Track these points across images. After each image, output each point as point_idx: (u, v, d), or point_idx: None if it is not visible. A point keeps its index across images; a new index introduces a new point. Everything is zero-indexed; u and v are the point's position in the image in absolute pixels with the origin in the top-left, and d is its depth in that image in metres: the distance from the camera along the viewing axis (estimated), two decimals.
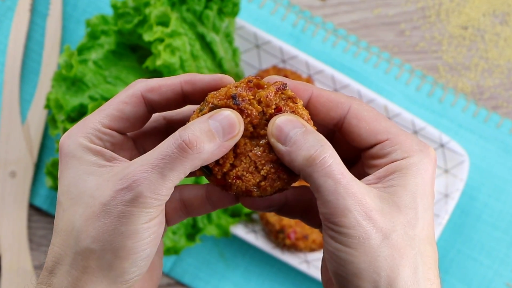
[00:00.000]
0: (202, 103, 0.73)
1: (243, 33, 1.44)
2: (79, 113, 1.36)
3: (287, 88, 0.71)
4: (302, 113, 0.72)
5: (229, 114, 0.70)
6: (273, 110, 0.71)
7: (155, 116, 0.78)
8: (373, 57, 1.49)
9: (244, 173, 0.71)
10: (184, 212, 0.80)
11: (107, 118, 0.73)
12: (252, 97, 0.70)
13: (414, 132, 1.41)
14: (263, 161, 0.71)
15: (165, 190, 0.68)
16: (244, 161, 0.71)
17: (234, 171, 0.71)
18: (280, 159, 0.70)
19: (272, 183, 0.71)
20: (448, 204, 1.40)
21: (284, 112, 0.71)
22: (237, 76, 1.46)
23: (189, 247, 1.37)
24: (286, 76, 1.36)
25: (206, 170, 0.71)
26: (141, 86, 0.74)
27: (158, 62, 1.29)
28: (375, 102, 1.41)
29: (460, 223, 1.39)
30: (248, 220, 1.38)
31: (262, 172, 0.71)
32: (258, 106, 0.70)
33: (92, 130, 0.72)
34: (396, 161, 0.71)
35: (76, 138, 0.72)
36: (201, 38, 1.37)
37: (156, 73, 1.38)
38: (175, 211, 0.79)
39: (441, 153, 1.40)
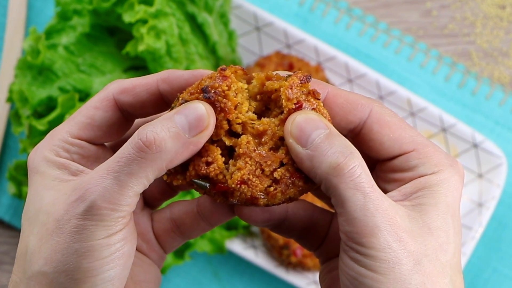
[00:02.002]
0: (174, 100, 0.72)
1: (241, 13, 1.39)
2: (48, 107, 1.29)
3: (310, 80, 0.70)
4: (323, 112, 0.70)
5: (197, 107, 0.68)
6: (293, 106, 0.69)
7: (138, 122, 0.78)
8: (394, 41, 1.45)
9: (250, 176, 0.69)
10: (177, 233, 0.80)
11: (75, 126, 0.73)
12: (226, 88, 0.69)
13: (443, 129, 1.37)
14: (269, 162, 0.69)
15: (124, 199, 0.66)
16: (249, 162, 0.69)
17: (238, 174, 0.69)
18: (296, 163, 0.69)
19: (285, 190, 0.69)
20: (482, 214, 1.35)
21: (305, 109, 0.69)
22: (234, 64, 1.33)
23: (177, 265, 1.38)
24: (291, 64, 1.34)
25: (199, 181, 0.70)
26: (113, 88, 0.73)
27: (141, 48, 1.23)
28: (397, 94, 1.36)
29: (496, 237, 1.37)
30: (247, 234, 1.38)
31: (276, 175, 0.69)
32: (234, 99, 0.69)
33: (58, 141, 0.72)
34: (424, 175, 0.70)
35: (42, 152, 0.72)
36: (191, 19, 1.32)
37: (138, 60, 1.31)
38: (167, 232, 0.79)
39: (474, 155, 1.36)
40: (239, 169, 0.69)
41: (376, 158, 0.73)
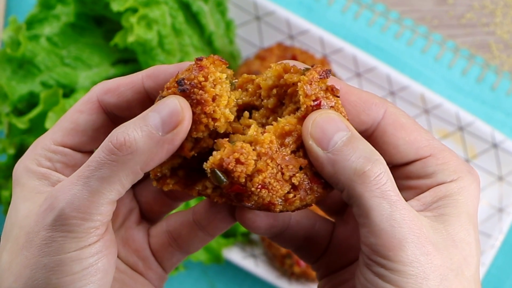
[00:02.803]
0: (157, 98, 0.71)
1: (240, 1, 1.37)
2: (29, 104, 1.27)
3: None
4: (342, 111, 0.69)
5: (169, 102, 0.67)
6: (312, 103, 0.69)
7: None
8: (406, 32, 1.43)
9: (272, 180, 0.68)
10: (175, 246, 0.79)
11: (59, 133, 0.73)
12: (202, 79, 0.69)
13: (459, 128, 1.35)
14: (291, 166, 0.69)
15: (96, 207, 0.65)
16: (271, 165, 0.69)
17: (260, 177, 0.68)
18: (315, 167, 0.69)
19: (304, 196, 0.69)
20: (502, 221, 1.33)
21: (323, 107, 0.69)
22: (232, 57, 1.37)
23: (171, 276, 1.36)
24: (294, 57, 1.32)
25: (220, 173, 0.68)
26: (97, 89, 0.73)
27: (131, 39, 1.22)
28: (409, 90, 1.34)
29: None
30: (246, 242, 1.36)
31: (294, 180, 0.69)
32: (211, 90, 0.69)
33: (41, 150, 0.72)
34: (443, 183, 0.70)
35: (24, 162, 0.72)
36: (186, 7, 1.29)
37: (127, 52, 1.29)
38: (164, 247, 0.79)
39: (494, 155, 1.34)
40: (259, 171, 0.68)
41: (390, 163, 0.72)
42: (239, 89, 0.74)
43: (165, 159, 0.68)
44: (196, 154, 0.72)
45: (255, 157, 0.68)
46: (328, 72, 0.70)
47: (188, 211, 0.78)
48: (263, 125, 0.73)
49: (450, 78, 1.40)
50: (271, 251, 1.33)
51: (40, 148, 0.72)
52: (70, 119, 0.73)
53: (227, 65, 0.72)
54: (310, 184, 0.69)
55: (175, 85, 0.69)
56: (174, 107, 0.67)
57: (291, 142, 0.70)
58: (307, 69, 0.71)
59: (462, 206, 0.69)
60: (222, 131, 0.70)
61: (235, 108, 0.72)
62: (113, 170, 0.65)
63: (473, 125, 1.33)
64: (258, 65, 1.30)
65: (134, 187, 0.81)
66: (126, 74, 1.30)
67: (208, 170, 0.69)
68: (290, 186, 0.69)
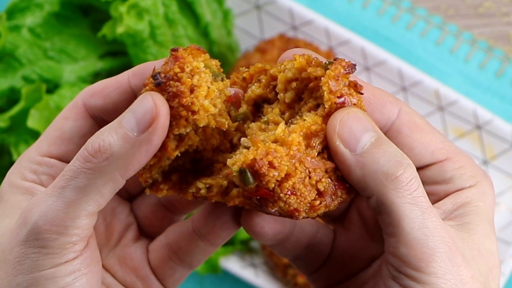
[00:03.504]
0: None
1: None
2: (9, 100, 1.25)
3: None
4: (364, 109, 0.70)
5: (142, 99, 0.67)
6: (336, 100, 0.69)
7: None
8: (419, 22, 1.42)
9: (301, 186, 0.68)
10: (176, 260, 0.78)
11: (45, 142, 0.73)
12: (178, 70, 0.68)
13: (477, 127, 1.34)
14: (318, 171, 0.68)
15: (72, 220, 0.64)
16: (299, 168, 0.68)
17: (290, 182, 0.67)
18: (341, 170, 0.68)
19: (329, 203, 0.69)
20: None
21: (348, 105, 0.69)
22: (230, 49, 1.34)
23: None
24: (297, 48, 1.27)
25: (250, 174, 0.67)
26: (82, 93, 0.74)
27: (120, 30, 1.20)
28: (422, 85, 1.32)
29: None
30: (245, 250, 1.33)
31: (320, 186, 0.68)
32: (188, 80, 0.68)
33: (26, 162, 0.73)
34: (462, 189, 0.71)
35: (9, 176, 0.73)
36: None
37: (116, 44, 1.28)
38: (164, 262, 0.78)
39: None
40: (288, 175, 0.67)
41: None
42: (252, 81, 0.73)
43: (146, 161, 0.67)
44: (180, 154, 0.70)
45: (288, 163, 0.68)
46: (354, 67, 0.69)
47: (187, 221, 0.78)
48: (273, 124, 0.72)
49: (467, 72, 1.39)
50: (273, 260, 1.31)
51: (25, 161, 0.72)
52: (55, 127, 0.73)
53: (205, 53, 0.71)
54: (335, 189, 0.69)
55: (152, 80, 0.68)
56: (147, 104, 0.66)
57: (317, 143, 0.69)
58: (330, 63, 0.70)
59: (484, 213, 0.70)
60: (202, 125, 0.69)
61: (219, 100, 0.71)
62: (89, 178, 0.65)
63: (492, 124, 1.32)
64: (259, 58, 1.29)
65: (131, 201, 0.81)
66: (115, 68, 1.34)
67: (235, 169, 0.68)
68: (316, 192, 0.69)
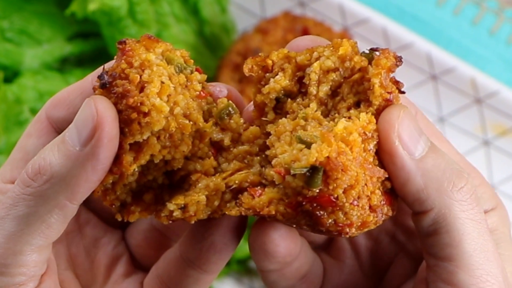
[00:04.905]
0: None
1: None
2: None
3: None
4: None
5: (83, 106, 0.63)
6: (387, 96, 0.66)
7: None
8: None
9: (364, 196, 0.65)
10: None
11: (8, 167, 0.70)
12: (125, 66, 0.65)
13: None
14: (374, 179, 0.66)
15: (14, 257, 0.60)
16: (360, 175, 0.64)
17: (356, 190, 0.64)
18: (397, 179, 0.65)
19: (379, 220, 0.66)
20: None
21: (394, 103, 0.67)
22: (224, 30, 1.27)
23: None
24: (305, 30, 1.28)
25: (312, 172, 0.62)
26: (46, 104, 0.71)
27: (92, 6, 1.17)
28: (457, 72, 1.26)
29: None
30: (243, 271, 1.27)
31: (373, 199, 0.66)
32: (135, 76, 0.64)
33: None
34: (485, 212, 0.71)
35: None
36: None
37: (88, 24, 1.24)
38: None
39: None
40: (351, 187, 0.64)
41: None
42: (274, 71, 0.69)
43: (97, 180, 0.64)
44: (137, 169, 0.66)
45: (356, 168, 0.65)
46: (401, 59, 0.67)
47: (175, 247, 0.76)
48: (314, 121, 0.68)
49: (509, 57, 1.31)
50: None
51: None
52: (19, 147, 0.72)
53: (159, 42, 0.67)
54: (383, 204, 0.66)
55: (98, 81, 0.66)
56: (87, 111, 0.63)
57: (372, 147, 0.67)
58: (372, 52, 0.68)
59: (509, 240, 0.71)
60: (156, 128, 0.65)
61: (183, 97, 0.66)
62: (30, 206, 0.62)
63: None
64: (259, 40, 1.22)
65: (122, 229, 0.79)
66: (86, 53, 1.25)
67: (302, 165, 0.64)
68: (368, 206, 0.67)
